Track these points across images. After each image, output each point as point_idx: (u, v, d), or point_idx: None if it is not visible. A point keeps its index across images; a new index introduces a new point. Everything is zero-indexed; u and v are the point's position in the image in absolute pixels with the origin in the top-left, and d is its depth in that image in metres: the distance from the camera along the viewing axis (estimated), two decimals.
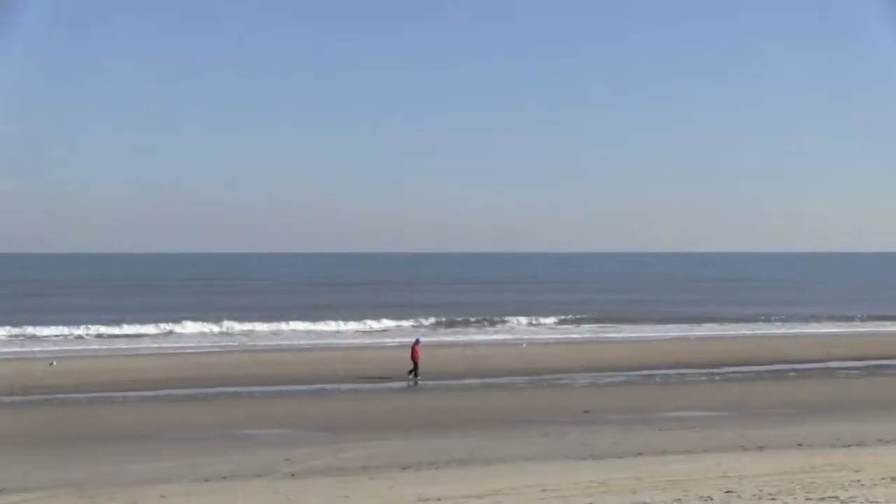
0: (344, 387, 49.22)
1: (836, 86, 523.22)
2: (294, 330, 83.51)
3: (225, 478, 25.78)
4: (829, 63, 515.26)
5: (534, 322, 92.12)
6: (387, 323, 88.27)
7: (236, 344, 72.78)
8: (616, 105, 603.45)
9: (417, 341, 54.99)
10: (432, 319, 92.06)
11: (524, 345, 71.18)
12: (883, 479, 21.27)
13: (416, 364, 52.74)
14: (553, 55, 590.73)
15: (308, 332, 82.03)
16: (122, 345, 71.80)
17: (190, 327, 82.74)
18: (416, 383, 51.24)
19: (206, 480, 25.46)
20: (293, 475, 26.00)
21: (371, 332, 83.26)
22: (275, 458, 28.89)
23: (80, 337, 77.28)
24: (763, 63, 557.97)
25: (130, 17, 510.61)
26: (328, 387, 49.17)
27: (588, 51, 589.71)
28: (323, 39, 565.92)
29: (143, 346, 71.18)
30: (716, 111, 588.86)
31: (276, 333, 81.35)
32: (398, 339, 73.31)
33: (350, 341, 75.39)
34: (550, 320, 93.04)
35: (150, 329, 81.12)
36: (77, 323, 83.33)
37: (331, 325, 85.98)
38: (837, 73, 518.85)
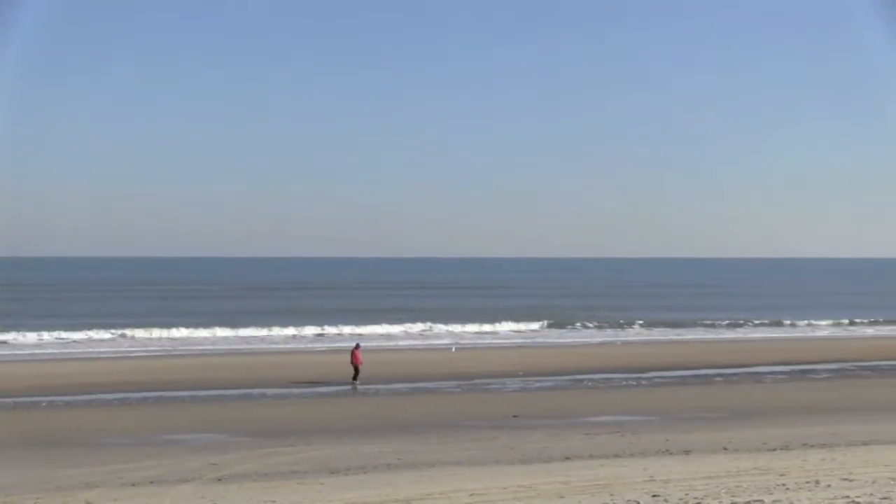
0: (273, 392, 49.02)
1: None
2: (240, 336, 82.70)
3: (152, 483, 25.60)
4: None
5: (465, 327, 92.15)
6: (330, 329, 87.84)
7: (169, 348, 72.33)
8: (547, 107, 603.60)
9: (357, 346, 54.89)
10: (356, 323, 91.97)
11: (454, 349, 71.23)
12: (807, 482, 21.51)
13: (356, 369, 52.67)
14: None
15: (247, 338, 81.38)
16: (53, 350, 71.10)
17: (127, 333, 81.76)
18: (355, 388, 51.19)
19: (133, 485, 25.26)
20: (220, 480, 25.87)
21: (304, 338, 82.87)
22: (202, 463, 28.74)
23: (4, 342, 76.25)
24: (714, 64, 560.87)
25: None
26: (258, 392, 48.94)
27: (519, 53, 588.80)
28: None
29: (73, 350, 70.50)
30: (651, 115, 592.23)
31: (207, 339, 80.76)
32: (336, 345, 73.32)
33: (285, 346, 75.27)
34: (475, 326, 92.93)
35: (82, 335, 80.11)
36: (6, 328, 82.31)
37: (263, 331, 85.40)
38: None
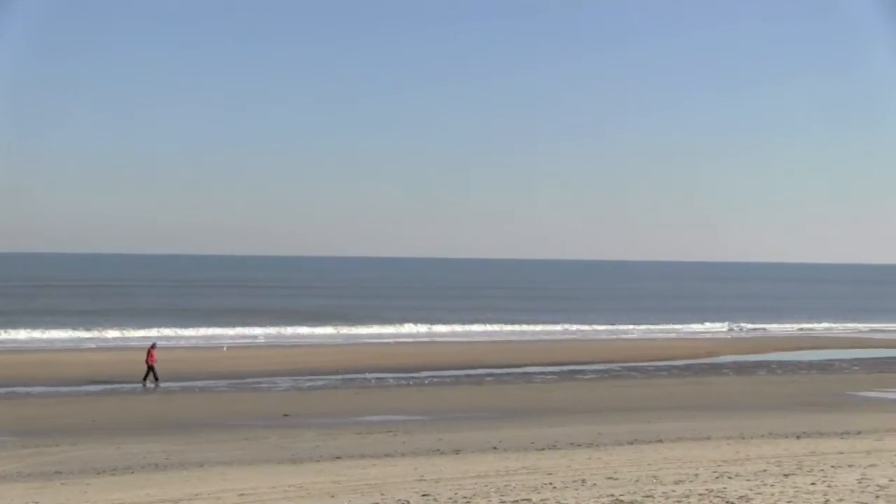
0: (40, 390, 47.74)
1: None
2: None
3: None
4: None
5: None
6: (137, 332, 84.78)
7: None
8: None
9: (154, 345, 53.82)
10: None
11: (225, 348, 70.55)
12: (574, 481, 21.88)
13: (151, 368, 51.51)
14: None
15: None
16: None
17: None
18: (156, 386, 50.29)
19: None
20: None
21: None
22: None
23: None
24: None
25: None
26: (22, 390, 47.56)
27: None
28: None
29: None
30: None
31: None
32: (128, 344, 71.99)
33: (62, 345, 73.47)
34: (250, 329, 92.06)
35: None
36: None
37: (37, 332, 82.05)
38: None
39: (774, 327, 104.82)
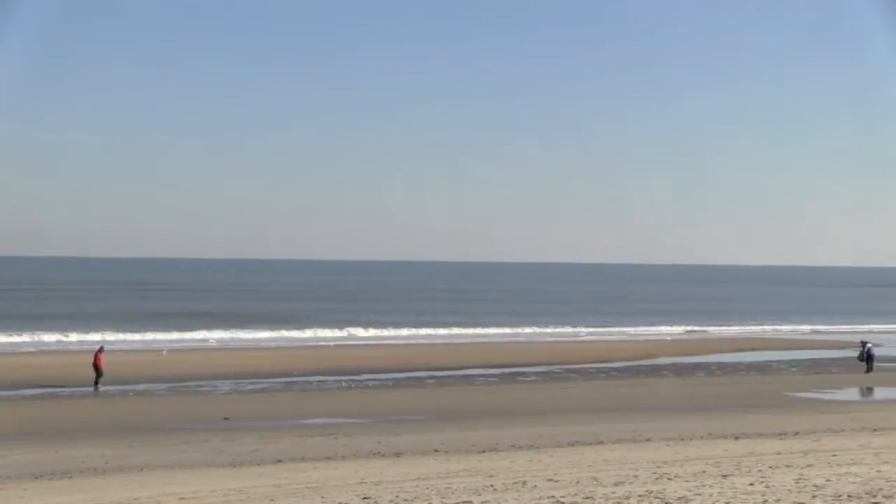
0: None
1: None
2: None
3: None
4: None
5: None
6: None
7: None
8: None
9: (101, 349, 53.32)
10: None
11: (165, 351, 70.12)
12: (515, 483, 21.93)
13: (99, 371, 50.95)
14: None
15: None
16: None
17: None
18: (96, 389, 49.74)
19: None
20: None
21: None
22: None
23: None
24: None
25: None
26: None
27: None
28: None
29: None
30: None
31: None
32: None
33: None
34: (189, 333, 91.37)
35: None
36: None
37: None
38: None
39: (718, 329, 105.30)
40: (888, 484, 20.41)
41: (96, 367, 51.19)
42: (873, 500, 18.71)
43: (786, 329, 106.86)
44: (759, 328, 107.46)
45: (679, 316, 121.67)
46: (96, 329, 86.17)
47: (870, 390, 53.04)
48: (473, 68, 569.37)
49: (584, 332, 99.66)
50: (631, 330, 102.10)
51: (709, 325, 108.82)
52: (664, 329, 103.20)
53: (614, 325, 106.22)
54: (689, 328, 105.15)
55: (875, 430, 32.67)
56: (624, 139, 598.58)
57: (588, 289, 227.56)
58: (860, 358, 61.16)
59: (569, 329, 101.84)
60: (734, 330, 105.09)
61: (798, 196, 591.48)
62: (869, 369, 59.99)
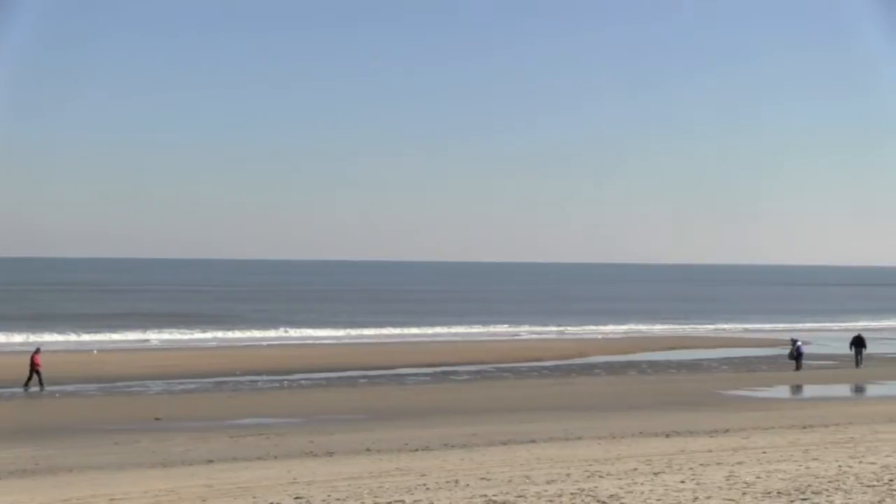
0: None
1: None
2: None
3: None
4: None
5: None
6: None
7: None
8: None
9: (38, 350, 52.65)
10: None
11: (95, 351, 69.58)
12: (447, 482, 21.93)
13: (37, 373, 50.17)
14: None
15: None
16: None
17: None
18: (41, 390, 49.17)
19: None
20: None
21: None
22: None
23: None
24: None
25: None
26: None
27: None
28: None
29: None
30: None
31: None
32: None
33: None
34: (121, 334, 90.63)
35: None
36: None
37: None
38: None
39: (654, 328, 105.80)
40: (817, 480, 20.62)
41: (34, 368, 50.37)
42: (802, 497, 18.89)
43: (718, 327, 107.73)
44: (692, 327, 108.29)
45: (619, 315, 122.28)
46: (20, 330, 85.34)
47: (799, 388, 53.58)
48: (373, 71, 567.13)
49: (522, 331, 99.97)
50: (569, 329, 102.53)
51: (646, 324, 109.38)
52: (600, 328, 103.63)
53: (553, 325, 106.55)
54: (627, 327, 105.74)
55: (804, 427, 32.98)
56: (570, 137, 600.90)
57: (530, 289, 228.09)
58: (790, 356, 61.82)
59: (506, 328, 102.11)
60: (668, 328, 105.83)
61: (749, 194, 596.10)
62: (798, 367, 60.62)
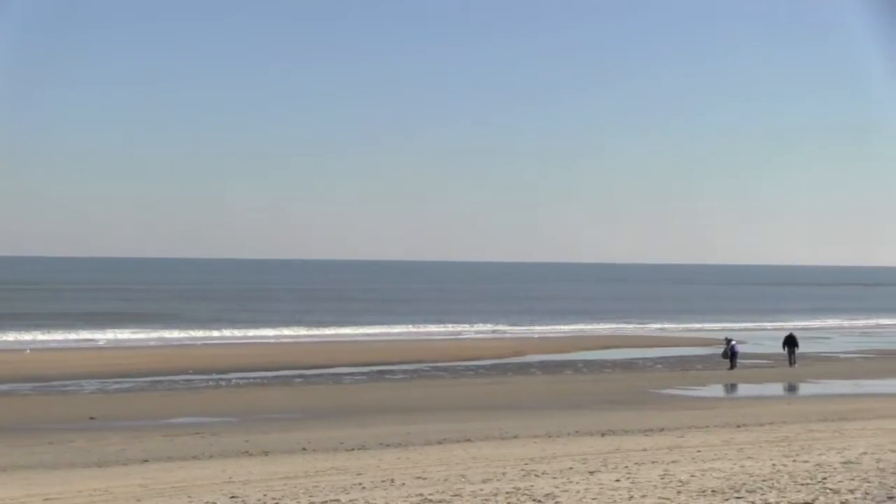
0: None
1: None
2: None
3: None
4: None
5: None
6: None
7: None
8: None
9: None
10: None
11: (28, 350, 68.94)
12: (383, 481, 21.96)
13: None
14: None
15: None
16: None
17: None
18: None
19: None
20: None
21: None
22: None
23: None
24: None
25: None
26: None
27: None
28: None
29: None
30: None
31: None
32: None
33: None
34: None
35: None
36: None
37: None
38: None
39: (592, 328, 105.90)
40: (751, 479, 20.83)
41: None
42: (737, 495, 19.08)
43: (662, 327, 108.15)
44: (635, 326, 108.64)
45: (561, 315, 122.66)
46: None
47: (733, 387, 54.06)
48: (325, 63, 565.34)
49: (462, 330, 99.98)
50: (508, 329, 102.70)
51: (588, 324, 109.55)
52: (540, 327, 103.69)
53: (492, 324, 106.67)
54: (568, 326, 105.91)
55: (738, 426, 33.29)
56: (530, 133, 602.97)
57: (473, 288, 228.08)
58: (724, 355, 62.34)
59: (445, 328, 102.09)
60: (610, 328, 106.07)
61: (690, 193, 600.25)
62: (733, 366, 61.12)
